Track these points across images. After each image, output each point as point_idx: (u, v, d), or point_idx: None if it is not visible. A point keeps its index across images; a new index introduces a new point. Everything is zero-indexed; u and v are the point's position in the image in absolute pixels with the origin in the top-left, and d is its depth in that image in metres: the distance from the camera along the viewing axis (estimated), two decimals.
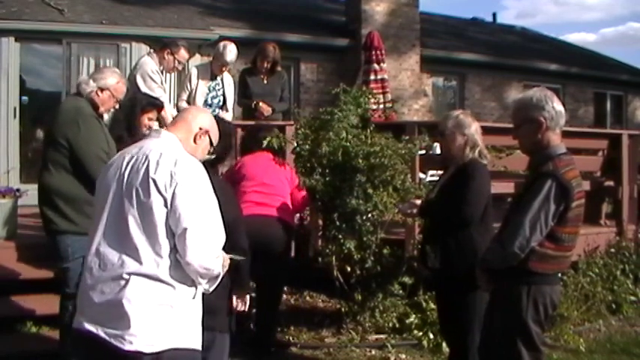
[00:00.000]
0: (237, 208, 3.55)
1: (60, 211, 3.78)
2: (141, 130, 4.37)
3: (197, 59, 8.80)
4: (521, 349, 3.02)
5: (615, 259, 6.31)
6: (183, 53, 5.80)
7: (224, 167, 4.90)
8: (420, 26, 11.73)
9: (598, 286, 5.87)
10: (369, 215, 5.00)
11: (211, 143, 2.75)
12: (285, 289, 5.56)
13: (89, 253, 2.47)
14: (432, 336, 4.93)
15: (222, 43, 6.38)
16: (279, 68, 6.50)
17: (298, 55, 10.91)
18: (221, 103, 6.33)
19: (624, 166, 6.83)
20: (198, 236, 2.36)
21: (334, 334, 5.17)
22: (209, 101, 6.27)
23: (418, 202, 4.11)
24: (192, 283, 2.45)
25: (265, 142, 4.89)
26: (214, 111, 6.13)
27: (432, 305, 4.88)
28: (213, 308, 2.67)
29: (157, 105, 4.51)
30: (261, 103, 6.21)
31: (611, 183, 6.93)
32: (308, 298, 5.99)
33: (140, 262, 2.35)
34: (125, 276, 2.34)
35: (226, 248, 2.58)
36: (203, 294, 2.55)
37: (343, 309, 5.34)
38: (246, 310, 3.55)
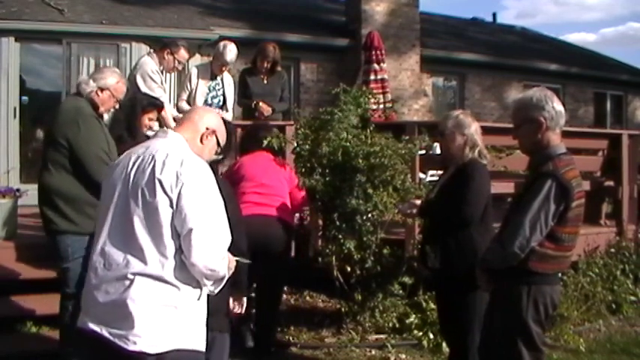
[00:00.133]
0: (237, 208, 3.55)
1: (60, 211, 3.78)
2: (141, 130, 4.37)
3: (197, 59, 8.80)
4: (521, 349, 3.02)
5: (615, 259, 6.31)
6: (183, 53, 5.80)
7: (224, 167, 4.91)
8: (420, 26, 11.73)
9: (598, 286, 5.87)
10: (369, 215, 5.00)
11: (218, 143, 2.73)
12: (285, 289, 5.56)
13: (94, 253, 2.47)
14: (432, 336, 4.93)
15: (222, 43, 6.38)
16: (279, 68, 6.50)
17: (298, 55, 10.91)
18: (221, 103, 6.33)
19: (624, 166, 6.83)
20: (203, 237, 2.34)
21: (334, 334, 5.17)
22: (209, 101, 6.27)
23: (418, 202, 4.11)
24: (198, 285, 2.44)
25: (265, 143, 4.88)
26: None
27: (432, 305, 4.88)
28: (213, 308, 2.66)
29: (157, 105, 4.52)
30: (261, 103, 6.21)
31: (611, 183, 6.93)
32: (308, 298, 5.99)
33: (145, 263, 2.34)
34: (130, 276, 2.33)
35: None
36: (207, 295, 2.54)
37: (343, 309, 5.34)
38: (243, 312, 3.55)
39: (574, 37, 68.02)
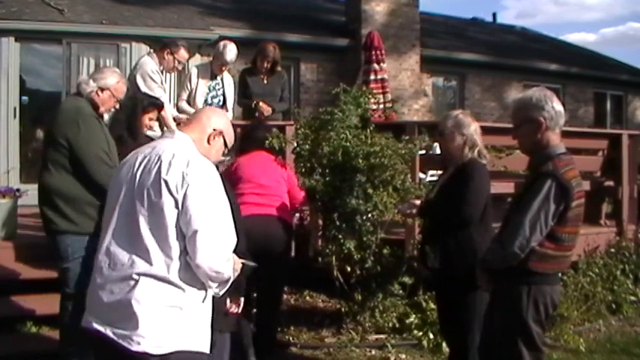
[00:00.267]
0: (237, 209, 3.54)
1: (60, 211, 3.78)
2: (142, 130, 4.37)
3: (197, 59, 8.80)
4: (521, 349, 3.01)
5: (615, 259, 6.31)
6: (183, 53, 5.80)
7: (222, 167, 4.90)
8: (420, 26, 11.73)
9: (598, 286, 5.87)
10: (369, 215, 5.00)
11: (226, 144, 2.72)
12: (285, 289, 5.55)
13: (99, 252, 2.46)
14: (432, 336, 4.93)
15: (222, 43, 6.39)
16: (279, 68, 6.50)
17: (298, 55, 10.91)
18: (221, 103, 6.33)
19: (624, 166, 6.83)
20: (208, 239, 2.33)
21: (334, 334, 5.17)
22: (209, 101, 6.27)
23: (417, 202, 4.11)
24: (202, 286, 2.43)
25: (266, 143, 4.87)
26: None
27: (432, 305, 4.88)
28: (213, 309, 2.66)
29: (157, 105, 4.52)
30: (261, 103, 6.21)
31: (611, 183, 6.93)
32: (308, 298, 6.00)
33: (150, 263, 2.33)
34: (135, 276, 2.33)
35: None
36: (213, 297, 2.53)
37: (343, 309, 5.34)
38: (239, 312, 3.54)
39: (574, 37, 68.09)
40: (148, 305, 2.31)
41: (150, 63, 5.63)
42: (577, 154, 5.90)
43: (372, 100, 5.89)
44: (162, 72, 5.77)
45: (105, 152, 3.81)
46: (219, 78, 6.34)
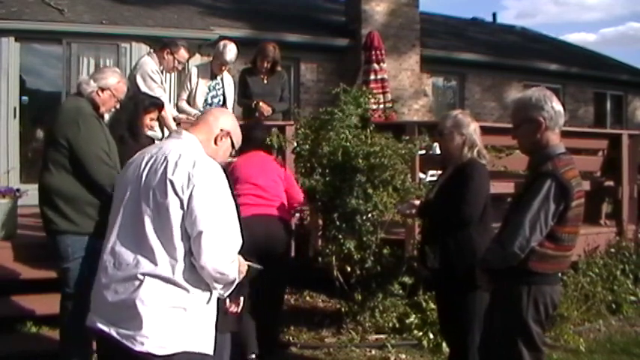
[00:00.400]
0: (237, 210, 3.54)
1: (60, 211, 3.77)
2: (143, 131, 4.38)
3: (197, 59, 8.80)
4: (521, 349, 3.01)
5: (615, 259, 6.31)
6: (182, 53, 5.80)
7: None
8: (420, 26, 11.74)
9: (598, 286, 5.87)
10: (369, 215, 5.00)
11: (233, 145, 2.72)
12: (285, 289, 5.55)
13: (104, 252, 2.46)
14: (432, 336, 4.93)
15: (222, 43, 6.39)
16: (279, 68, 6.50)
17: (298, 55, 10.91)
18: (221, 103, 6.33)
19: (624, 166, 6.83)
20: (213, 240, 2.33)
21: (334, 334, 5.17)
22: (209, 101, 6.27)
23: (417, 202, 4.11)
24: (207, 288, 2.43)
25: (264, 143, 4.87)
26: None
27: (432, 305, 4.88)
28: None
29: (158, 105, 4.52)
30: (261, 103, 6.21)
31: (611, 183, 6.93)
32: (308, 298, 6.00)
33: (155, 264, 2.33)
34: (140, 276, 2.33)
35: None
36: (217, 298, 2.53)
37: (343, 309, 5.34)
38: (239, 312, 3.55)
39: (574, 37, 68.14)
40: (153, 306, 2.31)
41: (150, 63, 5.63)
42: (577, 154, 5.91)
43: (372, 100, 5.90)
44: (162, 72, 5.77)
45: (105, 152, 3.81)
46: (219, 78, 6.34)
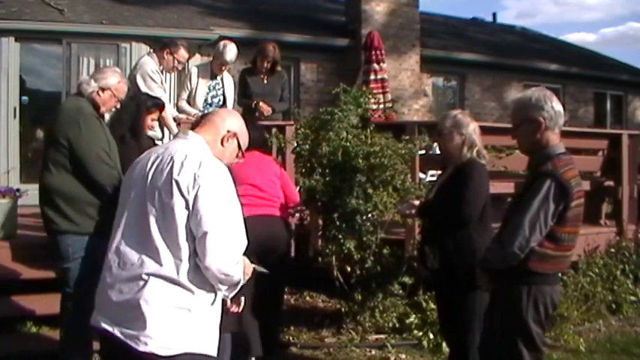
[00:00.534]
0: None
1: (61, 211, 3.77)
2: (144, 131, 4.38)
3: (197, 59, 8.80)
4: (521, 349, 3.01)
5: (615, 259, 6.32)
6: (182, 53, 5.80)
7: None
8: (420, 26, 11.74)
9: (598, 286, 5.87)
10: (369, 215, 5.00)
11: (240, 147, 2.71)
12: (285, 289, 5.54)
13: (109, 251, 2.46)
14: (432, 336, 4.93)
15: (222, 42, 6.39)
16: (279, 68, 6.50)
17: (298, 55, 10.91)
18: (221, 103, 6.33)
19: (624, 166, 6.83)
20: (218, 241, 2.32)
21: (334, 334, 5.17)
22: (209, 100, 6.27)
23: (417, 202, 4.11)
24: (212, 289, 2.42)
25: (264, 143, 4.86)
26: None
27: (432, 305, 4.88)
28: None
29: (159, 105, 4.52)
30: (261, 103, 6.20)
31: (611, 183, 6.93)
32: (308, 298, 6.00)
33: (160, 264, 2.32)
34: (144, 277, 2.32)
35: None
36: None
37: (343, 309, 5.34)
38: (239, 312, 3.55)
39: (574, 37, 68.19)
40: (157, 306, 2.31)
41: (150, 63, 5.63)
42: (577, 154, 5.91)
43: (372, 100, 5.90)
44: (162, 72, 5.77)
45: (105, 152, 3.81)
46: (219, 78, 6.34)
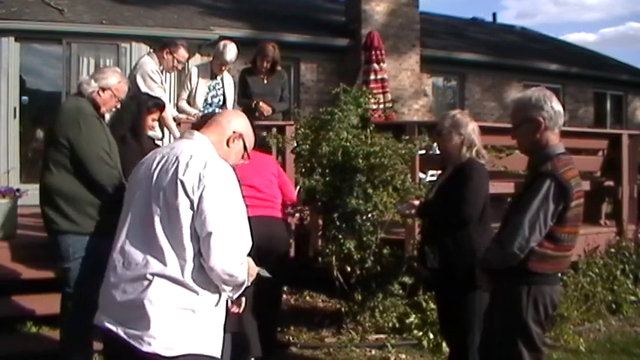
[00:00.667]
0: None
1: (61, 211, 3.77)
2: (145, 131, 4.38)
3: (197, 59, 8.80)
4: (521, 349, 3.02)
5: (615, 259, 6.31)
6: (182, 52, 5.80)
7: None
8: (420, 26, 11.74)
9: (598, 286, 5.87)
10: (369, 215, 5.00)
11: (245, 148, 2.71)
12: (285, 289, 5.55)
13: (114, 251, 2.45)
14: (432, 336, 4.93)
15: (222, 42, 6.39)
16: (278, 68, 6.50)
17: (298, 55, 10.91)
18: (221, 103, 6.33)
19: (624, 166, 6.83)
20: (222, 241, 2.31)
21: (334, 334, 5.17)
22: (209, 100, 6.28)
23: (417, 202, 4.11)
24: (216, 290, 2.42)
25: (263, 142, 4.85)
26: (214, 110, 6.14)
27: (432, 305, 4.88)
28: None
29: (160, 105, 4.52)
30: (261, 103, 6.20)
31: (611, 183, 6.93)
32: (308, 298, 6.00)
33: (165, 264, 2.32)
34: (149, 277, 2.32)
35: None
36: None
37: (343, 309, 5.34)
38: (240, 312, 3.55)
39: (574, 37, 68.19)
40: (161, 306, 2.30)
41: (150, 63, 5.63)
42: (577, 154, 5.91)
43: (372, 100, 5.89)
44: (162, 72, 5.78)
45: (106, 152, 3.81)
46: (219, 78, 6.34)
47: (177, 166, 2.39)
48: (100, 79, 4.01)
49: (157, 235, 2.34)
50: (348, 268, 5.05)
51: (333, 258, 5.03)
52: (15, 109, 8.56)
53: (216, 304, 2.44)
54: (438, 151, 4.84)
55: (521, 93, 3.45)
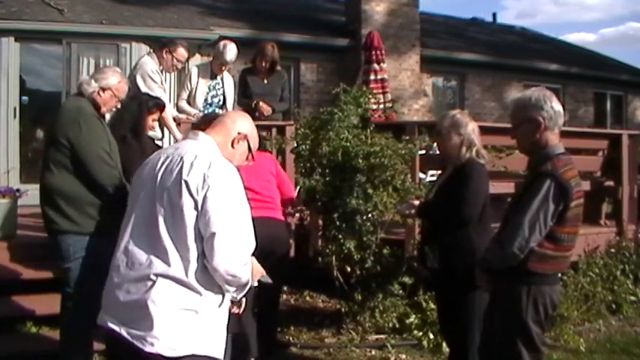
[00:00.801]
0: None
1: (61, 211, 3.77)
2: (146, 131, 4.38)
3: (197, 59, 8.80)
4: (521, 349, 3.02)
5: (615, 259, 6.31)
6: (181, 52, 5.79)
7: None
8: (420, 26, 11.74)
9: (598, 286, 5.87)
10: (369, 215, 5.00)
11: (250, 149, 2.71)
12: (285, 289, 5.54)
13: (117, 251, 2.45)
14: (432, 336, 4.93)
15: (222, 42, 6.39)
16: (278, 68, 6.50)
17: (298, 55, 10.91)
18: (221, 103, 6.33)
19: (624, 166, 6.83)
20: (226, 241, 2.31)
21: (334, 334, 5.17)
22: (209, 100, 6.28)
23: (416, 202, 4.11)
24: (220, 291, 2.42)
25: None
26: (214, 110, 6.14)
27: (432, 305, 4.88)
28: None
29: (160, 105, 4.52)
30: (261, 103, 6.20)
31: (611, 183, 6.93)
32: (308, 298, 6.00)
33: (168, 265, 2.32)
34: (152, 277, 2.32)
35: None
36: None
37: (343, 309, 5.34)
38: (240, 313, 3.55)
39: (574, 37, 68.23)
40: (164, 307, 2.30)
41: (150, 63, 5.63)
42: (577, 154, 5.91)
43: (372, 100, 5.89)
44: (162, 72, 5.77)
45: (106, 152, 3.81)
46: (219, 78, 6.34)
47: (181, 167, 2.38)
48: (101, 79, 4.01)
49: (161, 235, 2.34)
50: (348, 268, 5.05)
51: (333, 258, 5.03)
52: (15, 109, 8.56)
53: (220, 305, 2.44)
54: (438, 151, 4.85)
55: (521, 93, 3.45)
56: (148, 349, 2.28)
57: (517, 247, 2.90)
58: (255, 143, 2.74)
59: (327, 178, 4.94)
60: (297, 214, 5.44)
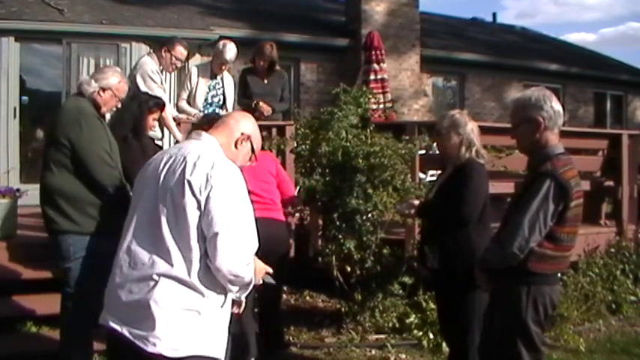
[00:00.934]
0: None
1: (62, 211, 3.77)
2: (146, 131, 4.38)
3: (197, 59, 8.80)
4: (521, 349, 3.02)
5: (615, 259, 6.32)
6: (179, 49, 5.78)
7: None
8: (420, 26, 11.74)
9: (598, 286, 5.87)
10: (369, 215, 5.00)
11: (253, 150, 2.71)
12: (285, 289, 5.54)
13: (120, 250, 2.45)
14: (432, 336, 4.93)
15: (222, 42, 6.39)
16: (277, 67, 6.49)
17: (298, 55, 10.91)
18: (221, 103, 6.33)
19: (624, 166, 6.83)
20: (228, 242, 2.31)
21: (334, 334, 5.17)
22: (209, 100, 6.27)
23: (416, 202, 4.11)
24: (222, 291, 2.42)
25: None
26: (214, 110, 6.14)
27: (432, 305, 4.88)
28: None
29: (161, 105, 4.52)
30: (261, 103, 6.20)
31: (611, 183, 6.93)
32: (308, 298, 6.00)
33: (171, 265, 2.32)
34: (155, 277, 2.32)
35: None
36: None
37: (343, 309, 5.34)
38: (240, 313, 3.55)
39: (574, 37, 68.20)
40: (166, 307, 2.30)
41: (150, 63, 5.63)
42: (577, 154, 5.91)
43: (372, 100, 5.90)
44: (162, 72, 5.77)
45: (107, 152, 3.81)
46: (219, 77, 6.34)
47: (184, 167, 2.39)
48: (101, 79, 4.01)
49: (164, 235, 2.34)
50: (348, 268, 5.05)
51: (333, 258, 5.03)
52: (15, 109, 8.56)
53: (222, 306, 2.44)
54: (437, 151, 4.85)
55: (520, 93, 3.45)
56: (150, 349, 2.28)
57: (517, 247, 2.90)
58: (258, 144, 2.74)
59: (327, 178, 4.94)
60: (297, 214, 5.43)
